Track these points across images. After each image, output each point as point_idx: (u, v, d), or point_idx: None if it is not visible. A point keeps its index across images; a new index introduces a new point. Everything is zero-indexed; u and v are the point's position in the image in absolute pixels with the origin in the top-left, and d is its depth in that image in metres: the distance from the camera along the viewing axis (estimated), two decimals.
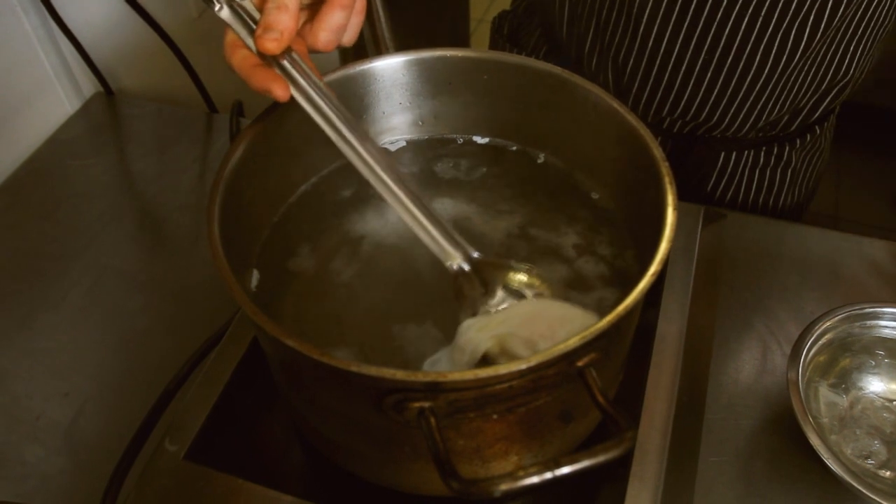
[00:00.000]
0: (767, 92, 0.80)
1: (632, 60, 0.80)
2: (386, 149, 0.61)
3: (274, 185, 0.57)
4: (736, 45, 0.75)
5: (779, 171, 0.92)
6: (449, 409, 0.43)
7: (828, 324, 0.64)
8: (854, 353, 0.66)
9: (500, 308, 0.51)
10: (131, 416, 0.63)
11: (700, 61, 0.77)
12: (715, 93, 0.80)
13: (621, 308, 0.42)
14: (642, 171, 0.51)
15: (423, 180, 0.59)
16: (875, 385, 0.66)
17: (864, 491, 0.57)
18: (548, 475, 0.37)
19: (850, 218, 1.94)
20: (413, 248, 0.55)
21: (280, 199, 0.58)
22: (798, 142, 0.90)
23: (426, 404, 0.42)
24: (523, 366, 0.40)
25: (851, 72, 0.82)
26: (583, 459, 0.37)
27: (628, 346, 0.52)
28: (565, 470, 0.37)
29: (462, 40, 1.78)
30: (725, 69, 0.77)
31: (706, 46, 0.76)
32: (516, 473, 0.37)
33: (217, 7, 0.50)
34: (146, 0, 0.89)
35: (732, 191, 0.92)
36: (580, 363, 0.43)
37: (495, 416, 0.44)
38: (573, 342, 0.41)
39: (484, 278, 0.51)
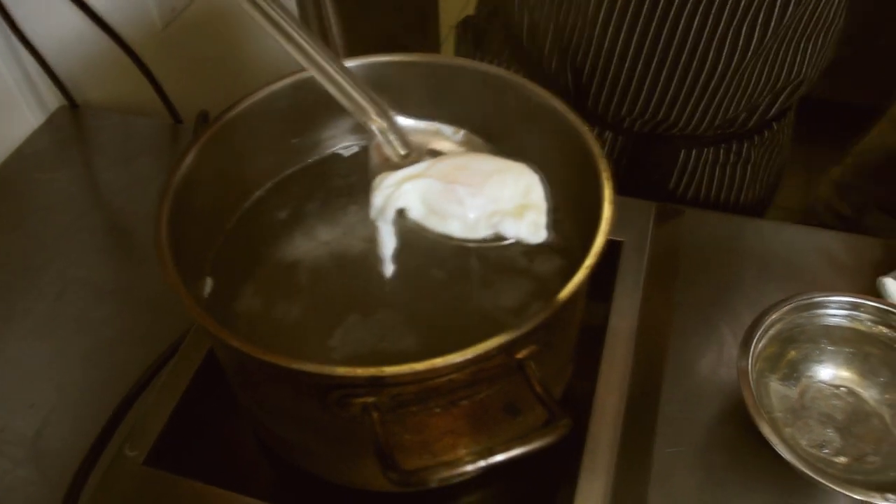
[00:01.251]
0: (722, 90, 0.81)
1: (589, 61, 0.81)
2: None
3: (227, 193, 0.58)
4: (689, 44, 0.77)
5: (738, 167, 0.93)
6: (392, 403, 0.44)
7: (775, 315, 0.65)
8: (801, 343, 0.67)
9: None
10: (97, 426, 0.64)
11: (655, 61, 0.79)
12: (671, 92, 0.82)
13: (556, 301, 0.43)
14: (584, 167, 0.52)
15: (361, 187, 0.60)
16: (823, 374, 0.68)
17: (815, 476, 0.58)
18: (481, 463, 0.38)
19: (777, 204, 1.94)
20: (370, 250, 0.56)
21: (234, 206, 0.59)
22: (756, 138, 0.91)
23: (369, 399, 0.43)
24: (460, 358, 0.41)
25: (804, 69, 0.83)
26: (515, 447, 0.39)
27: (573, 339, 0.53)
28: (499, 458, 0.38)
29: (433, 47, 1.80)
30: (680, 68, 0.79)
31: (660, 46, 0.78)
32: (451, 462, 0.38)
33: None
34: (110, 12, 0.90)
35: (694, 188, 0.94)
36: (519, 355, 0.44)
37: (438, 410, 0.45)
38: (509, 335, 0.42)
39: (406, 141, 0.48)
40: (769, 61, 0.81)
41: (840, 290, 0.69)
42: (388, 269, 0.51)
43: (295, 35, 0.47)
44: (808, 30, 0.81)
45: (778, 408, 0.66)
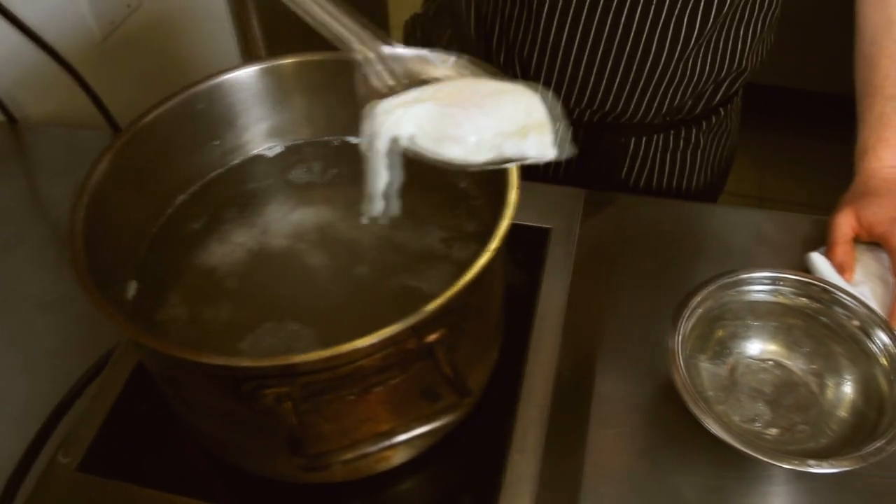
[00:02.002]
0: (667, 79, 0.83)
1: (535, 54, 0.83)
2: None
3: (149, 198, 0.59)
4: (632, 34, 0.79)
5: (688, 153, 0.95)
6: (305, 392, 0.44)
7: (700, 296, 0.66)
8: (728, 321, 0.69)
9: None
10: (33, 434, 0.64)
11: (600, 52, 0.81)
12: (617, 82, 0.83)
13: (456, 286, 0.44)
14: None
15: (287, 188, 0.61)
16: (750, 349, 0.69)
17: (745, 449, 0.60)
18: (385, 443, 0.39)
19: (775, 197, 1.99)
20: (295, 249, 0.57)
21: (158, 210, 0.60)
22: (704, 124, 0.93)
23: (281, 390, 0.44)
24: (364, 343, 0.42)
25: (746, 56, 0.86)
26: (415, 427, 0.39)
27: (493, 322, 0.54)
28: (401, 437, 0.39)
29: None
30: (624, 58, 0.81)
31: (604, 36, 0.79)
32: (352, 444, 0.39)
33: None
34: (46, 26, 0.90)
35: (646, 176, 0.96)
36: (429, 339, 0.45)
37: (353, 398, 0.46)
38: (410, 320, 0.43)
39: (393, 70, 0.45)
40: (711, 49, 0.83)
41: (770, 267, 0.70)
42: (378, 206, 0.48)
43: None
44: (747, 17, 0.83)
45: (709, 386, 0.68)
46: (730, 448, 0.60)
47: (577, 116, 0.88)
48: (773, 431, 0.67)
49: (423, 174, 0.61)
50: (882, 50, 0.81)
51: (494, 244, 0.46)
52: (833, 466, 0.59)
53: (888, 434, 0.60)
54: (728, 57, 0.84)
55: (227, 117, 0.60)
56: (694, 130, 0.93)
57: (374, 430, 0.50)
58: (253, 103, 0.60)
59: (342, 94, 0.61)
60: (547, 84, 0.85)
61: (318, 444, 0.44)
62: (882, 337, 0.66)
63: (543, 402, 0.58)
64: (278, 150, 0.64)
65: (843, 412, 0.66)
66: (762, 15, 0.85)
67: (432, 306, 0.43)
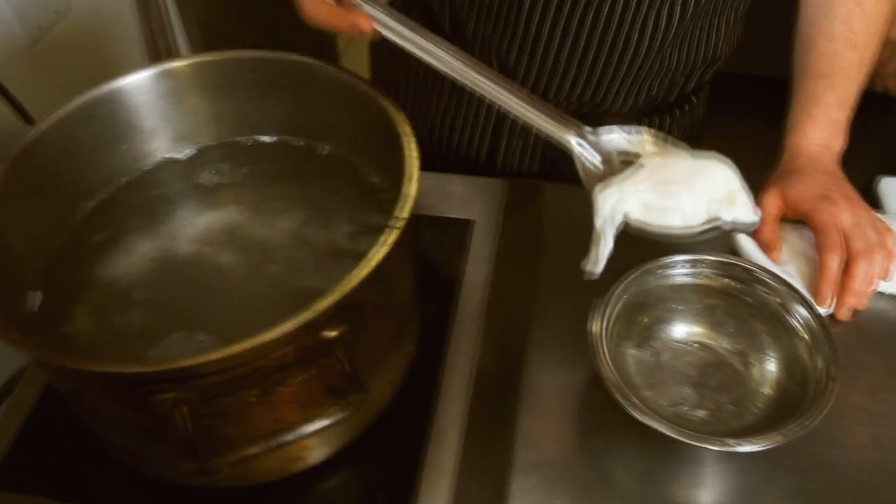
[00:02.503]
0: (646, 70, 0.84)
1: (516, 47, 0.82)
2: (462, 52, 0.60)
3: (54, 206, 0.58)
4: (613, 26, 0.79)
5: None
6: (202, 396, 0.44)
7: (623, 285, 0.66)
8: (652, 306, 0.69)
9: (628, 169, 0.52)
10: None
11: (580, 45, 0.81)
12: (596, 74, 0.83)
13: (351, 281, 0.44)
14: (399, 149, 0.53)
15: (196, 191, 0.60)
16: (675, 333, 0.69)
17: (670, 433, 0.60)
18: (272, 444, 0.39)
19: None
20: (206, 254, 0.56)
21: (65, 218, 0.59)
22: (677, 112, 0.94)
23: (176, 395, 0.43)
24: (253, 344, 0.41)
25: (720, 45, 0.86)
26: (301, 426, 0.39)
27: (400, 317, 0.54)
28: (288, 437, 0.39)
29: (329, 43, 1.80)
30: (606, 51, 0.81)
31: (586, 29, 0.79)
32: (243, 448, 0.39)
33: None
34: None
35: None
36: (329, 335, 0.45)
37: (254, 399, 0.45)
38: (304, 316, 0.42)
39: (599, 150, 0.56)
40: (688, 40, 0.83)
41: (701, 251, 0.71)
42: (600, 268, 0.58)
43: (485, 82, 0.57)
44: (721, 6, 0.84)
45: (636, 372, 0.68)
46: (657, 433, 0.61)
47: (555, 104, 0.88)
48: (701, 413, 0.67)
49: (333, 168, 0.62)
50: (818, 30, 0.82)
51: (391, 238, 0.46)
52: (755, 445, 0.59)
53: (810, 410, 0.61)
54: (704, 46, 0.85)
55: (133, 121, 0.59)
56: (667, 118, 0.94)
57: (280, 429, 0.49)
58: (156, 106, 0.59)
59: (251, 93, 0.61)
60: (525, 75, 0.85)
61: (222, 448, 0.44)
62: (802, 312, 0.66)
63: (463, 394, 0.58)
64: (190, 152, 0.63)
65: (768, 389, 0.67)
66: (738, 4, 0.86)
67: (324, 304, 0.43)
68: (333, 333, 0.45)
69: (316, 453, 0.53)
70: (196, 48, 1.10)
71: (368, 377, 0.52)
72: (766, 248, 0.75)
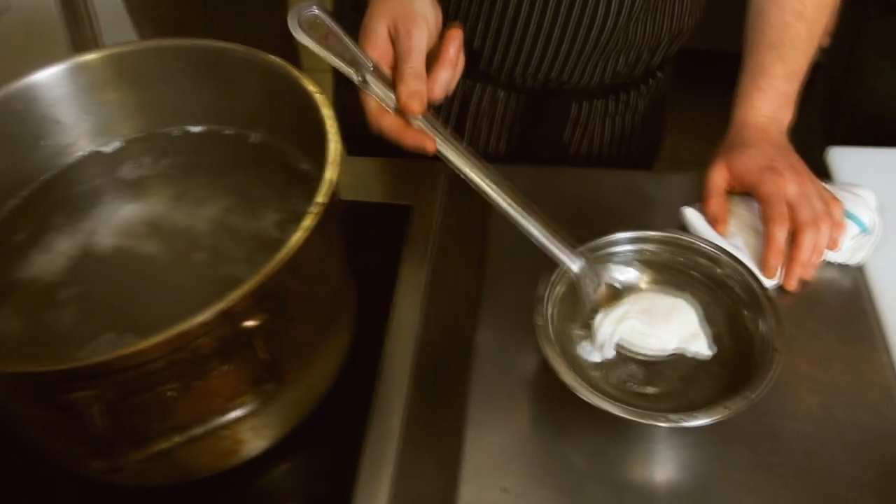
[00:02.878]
0: (609, 45, 0.83)
1: (480, 24, 0.81)
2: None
3: None
4: (578, 2, 0.78)
5: (627, 116, 0.95)
6: (118, 393, 0.43)
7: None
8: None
9: (619, 302, 0.65)
10: None
11: (545, 21, 0.80)
12: (562, 51, 0.82)
13: (266, 270, 0.42)
14: (322, 133, 0.52)
15: (118, 185, 0.58)
16: (619, 310, 0.69)
17: (615, 412, 0.59)
18: (177, 439, 0.38)
19: (690, 158, 2.00)
20: (131, 249, 0.55)
21: None
22: (642, 87, 0.93)
23: (88, 393, 0.42)
24: (162, 338, 0.40)
25: (685, 19, 0.86)
26: (212, 419, 0.38)
27: (328, 306, 0.52)
28: (197, 431, 0.38)
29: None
30: (571, 27, 0.80)
31: (550, 5, 0.78)
32: (148, 444, 0.37)
33: (358, 79, 0.58)
34: None
35: (586, 140, 0.95)
36: (248, 325, 0.44)
37: (173, 394, 0.44)
38: (219, 306, 0.41)
39: (596, 277, 0.66)
40: (652, 14, 0.82)
41: (652, 226, 0.70)
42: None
43: (521, 216, 0.64)
44: None
45: (583, 354, 0.67)
46: (608, 413, 0.60)
47: (519, 84, 0.88)
48: (651, 390, 0.67)
49: (263, 157, 0.60)
50: (769, 1, 0.81)
51: (308, 223, 0.45)
52: (700, 420, 0.59)
53: (755, 383, 0.60)
54: (667, 20, 0.84)
55: (52, 116, 0.57)
56: (633, 94, 0.93)
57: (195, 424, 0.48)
58: (76, 100, 0.57)
59: (177, 83, 0.60)
60: (490, 53, 0.84)
61: (144, 445, 0.43)
62: (747, 285, 0.66)
63: (404, 380, 0.57)
64: (117, 145, 0.61)
65: (715, 363, 0.67)
66: None
67: (237, 294, 0.42)
68: (252, 323, 0.44)
69: (251, 446, 0.52)
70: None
71: (298, 367, 0.51)
72: (713, 221, 0.75)
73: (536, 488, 0.63)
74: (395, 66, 0.60)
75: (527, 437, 0.66)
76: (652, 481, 0.64)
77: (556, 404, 0.67)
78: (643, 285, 0.68)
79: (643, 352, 0.66)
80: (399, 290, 0.62)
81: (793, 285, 0.74)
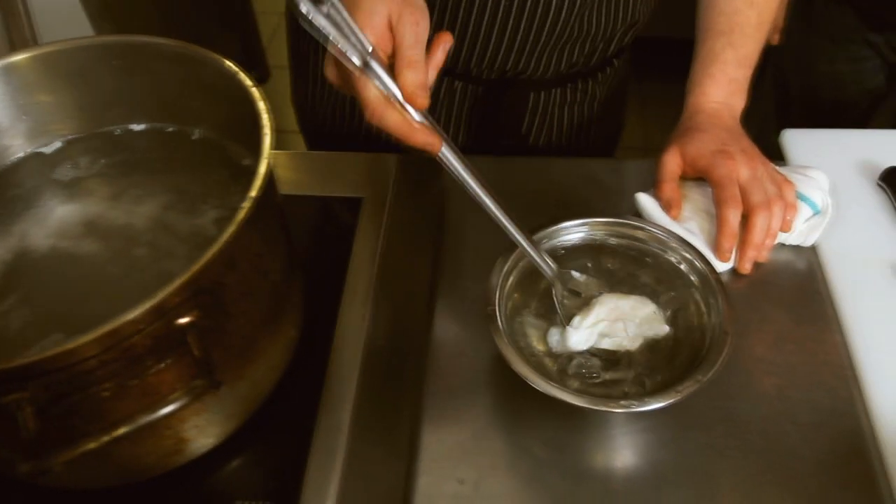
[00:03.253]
0: (565, 35, 0.83)
1: (435, 14, 0.81)
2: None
3: None
4: None
5: (585, 105, 0.95)
6: (51, 394, 0.42)
7: (515, 255, 0.66)
8: (540, 278, 0.68)
9: (589, 310, 0.67)
10: None
11: (500, 12, 0.79)
12: (517, 40, 0.82)
13: (193, 267, 0.42)
14: (258, 128, 0.51)
15: (51, 187, 0.58)
16: (586, 320, 0.69)
17: (567, 399, 0.59)
18: (105, 438, 0.37)
19: (659, 147, 2.00)
20: (69, 250, 0.54)
21: None
22: (599, 76, 0.93)
23: (20, 395, 0.41)
24: (88, 339, 0.40)
25: (639, 8, 0.86)
26: (143, 416, 0.38)
27: (269, 301, 0.52)
28: (123, 430, 0.37)
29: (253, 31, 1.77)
30: (526, 17, 0.80)
31: None
32: (76, 445, 0.37)
33: (359, 64, 0.52)
34: None
35: (546, 131, 0.95)
36: (181, 322, 0.43)
37: (108, 394, 0.44)
38: (149, 304, 0.41)
39: (566, 287, 0.68)
40: (606, 4, 0.82)
41: (610, 213, 0.70)
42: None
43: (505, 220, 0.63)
44: None
45: (537, 340, 0.67)
46: (563, 401, 0.60)
47: (475, 75, 0.87)
48: (608, 376, 0.67)
49: (204, 153, 0.60)
50: None
51: (240, 218, 0.44)
52: (651, 404, 0.59)
53: (705, 366, 0.61)
54: (621, 11, 0.84)
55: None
56: (590, 82, 0.93)
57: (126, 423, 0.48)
58: (10, 101, 0.56)
59: (116, 81, 0.59)
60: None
61: (72, 445, 0.42)
62: (698, 268, 0.66)
63: (354, 374, 0.57)
64: (57, 145, 0.60)
65: (669, 347, 0.67)
66: None
67: (167, 291, 0.41)
68: (186, 320, 0.43)
69: (197, 444, 0.52)
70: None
71: (241, 363, 0.51)
72: (667, 206, 0.75)
73: (493, 478, 0.63)
74: (395, 55, 0.55)
75: (484, 427, 0.65)
76: (609, 467, 0.64)
77: (512, 394, 0.67)
78: (603, 289, 0.70)
79: (611, 348, 0.67)
80: (348, 284, 0.62)
81: (746, 268, 0.74)
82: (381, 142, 0.93)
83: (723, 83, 0.80)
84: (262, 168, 0.47)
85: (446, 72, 0.88)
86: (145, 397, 0.45)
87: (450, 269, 0.75)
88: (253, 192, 0.45)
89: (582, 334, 0.66)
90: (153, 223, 0.53)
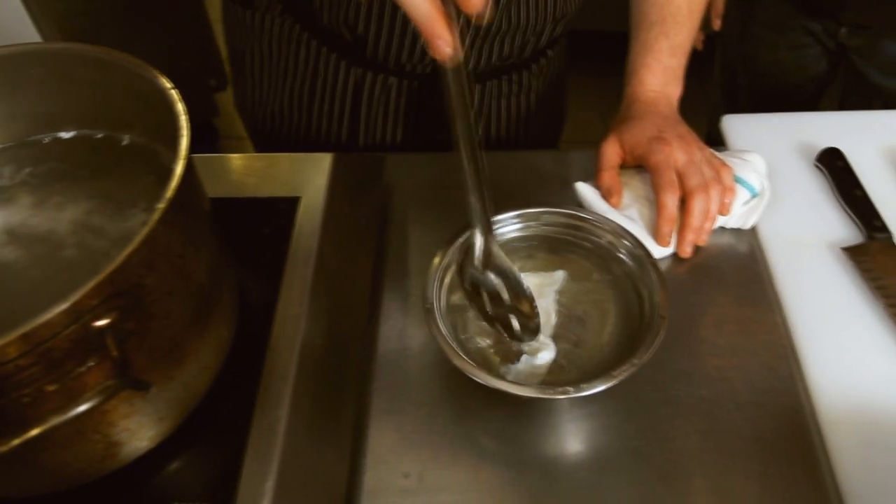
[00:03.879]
0: (493, 31, 0.83)
1: (363, 9, 0.81)
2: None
3: None
4: None
5: (521, 97, 0.96)
6: None
7: (452, 250, 0.66)
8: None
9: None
10: None
11: None
12: None
13: (105, 270, 0.42)
14: (175, 129, 0.51)
15: None
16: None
17: (507, 389, 0.60)
18: (15, 442, 0.37)
19: (579, 139, 2.06)
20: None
21: None
22: (533, 67, 0.94)
23: None
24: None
25: (568, 1, 0.86)
26: (55, 417, 0.38)
27: (196, 302, 0.52)
28: (35, 431, 0.37)
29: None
30: (452, 12, 0.80)
31: None
32: None
33: None
34: None
35: (484, 123, 0.96)
36: (99, 325, 0.43)
37: (27, 400, 0.44)
38: (61, 307, 0.41)
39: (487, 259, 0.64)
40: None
41: (553, 204, 0.70)
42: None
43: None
44: None
45: (479, 335, 0.68)
46: (507, 392, 0.60)
47: (409, 70, 0.88)
48: (553, 364, 0.67)
49: (133, 158, 0.60)
50: None
51: (154, 219, 0.45)
52: (587, 389, 0.59)
53: (641, 349, 0.61)
54: (550, 4, 0.84)
55: None
56: (524, 74, 0.94)
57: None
58: None
59: (42, 89, 0.59)
60: (375, 39, 0.84)
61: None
62: (634, 252, 0.67)
63: (290, 373, 0.57)
64: None
65: (609, 333, 0.68)
66: None
67: (79, 294, 0.41)
68: (103, 323, 0.43)
69: (129, 448, 0.52)
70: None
71: (169, 365, 0.51)
72: (607, 194, 0.76)
73: (437, 470, 0.63)
74: None
75: (429, 421, 0.66)
76: (552, 454, 0.64)
77: (458, 387, 0.68)
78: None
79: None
80: (284, 284, 0.62)
81: (686, 251, 0.75)
82: (321, 141, 0.94)
83: (658, 72, 0.81)
84: (179, 169, 0.47)
85: (379, 68, 0.88)
86: (68, 402, 0.45)
87: (395, 266, 0.75)
88: (168, 194, 0.46)
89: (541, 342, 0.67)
90: (79, 228, 0.53)
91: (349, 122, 0.92)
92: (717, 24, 1.25)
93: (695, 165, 0.74)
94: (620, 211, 0.75)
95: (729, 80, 1.30)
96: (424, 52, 0.84)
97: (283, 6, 0.90)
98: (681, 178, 0.73)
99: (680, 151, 0.74)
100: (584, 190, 0.77)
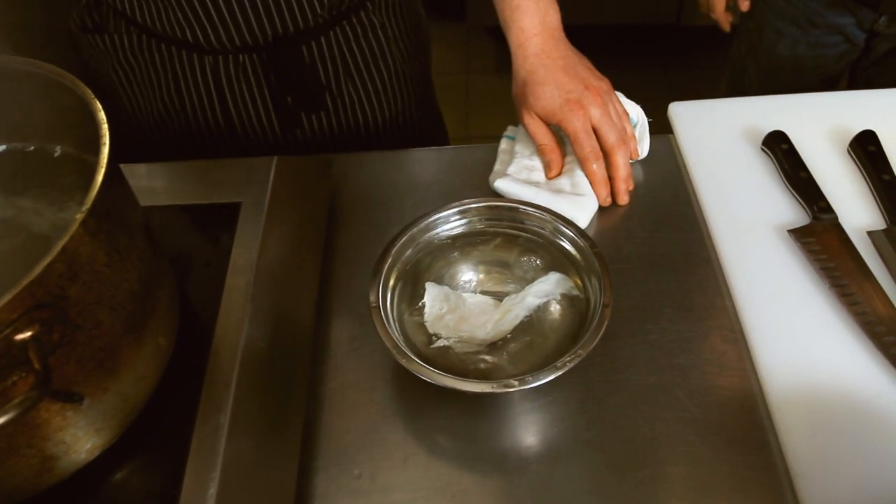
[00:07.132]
0: None
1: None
2: None
3: None
4: None
5: (371, 36, 0.93)
6: None
7: (394, 251, 0.66)
8: (431, 265, 0.69)
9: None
10: None
11: None
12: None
13: (21, 285, 0.42)
14: (97, 139, 0.51)
15: None
16: (461, 285, 0.70)
17: (451, 384, 0.59)
18: None
19: (481, 133, 2.16)
20: None
21: None
22: (369, 5, 0.92)
23: None
24: None
25: None
26: None
27: (127, 312, 0.52)
28: None
29: None
30: None
31: None
32: None
33: None
34: None
35: (346, 79, 0.94)
36: (20, 339, 0.43)
37: None
38: None
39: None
40: None
41: (469, 200, 0.70)
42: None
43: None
44: None
45: (420, 341, 0.67)
46: (456, 388, 0.60)
47: (253, 43, 0.86)
48: (504, 357, 0.68)
49: (65, 169, 0.59)
50: None
51: (72, 230, 0.44)
52: (531, 382, 0.59)
53: (585, 339, 0.61)
54: None
55: None
56: (362, 14, 0.92)
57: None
58: None
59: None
60: (209, 19, 0.83)
61: None
62: (573, 238, 0.67)
63: (230, 378, 0.57)
64: None
65: (556, 322, 0.68)
66: None
67: None
68: (25, 336, 0.43)
69: (67, 461, 0.51)
70: None
71: (101, 376, 0.50)
72: (546, 168, 0.79)
73: (389, 469, 0.63)
74: None
75: (381, 420, 0.66)
76: (503, 448, 0.64)
77: (408, 386, 0.68)
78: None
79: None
80: (226, 290, 0.61)
81: (625, 199, 0.79)
82: (204, 137, 0.94)
83: (531, 10, 0.78)
84: (99, 178, 0.47)
85: (224, 50, 0.87)
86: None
87: (343, 267, 0.75)
88: (87, 205, 0.45)
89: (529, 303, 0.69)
90: (7, 244, 0.53)
91: (221, 112, 0.92)
92: (744, 5, 1.23)
93: (608, 118, 0.76)
94: (549, 184, 0.77)
95: (737, 77, 1.30)
96: (260, 21, 0.84)
97: (126, 21, 0.90)
98: (599, 135, 0.77)
99: (593, 107, 0.76)
100: (504, 185, 0.78)
